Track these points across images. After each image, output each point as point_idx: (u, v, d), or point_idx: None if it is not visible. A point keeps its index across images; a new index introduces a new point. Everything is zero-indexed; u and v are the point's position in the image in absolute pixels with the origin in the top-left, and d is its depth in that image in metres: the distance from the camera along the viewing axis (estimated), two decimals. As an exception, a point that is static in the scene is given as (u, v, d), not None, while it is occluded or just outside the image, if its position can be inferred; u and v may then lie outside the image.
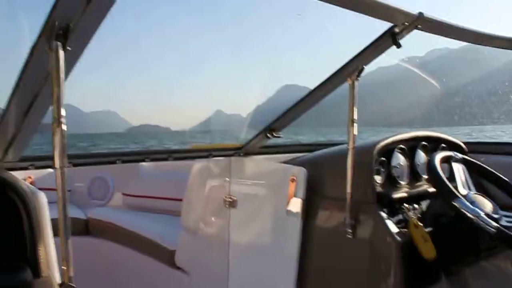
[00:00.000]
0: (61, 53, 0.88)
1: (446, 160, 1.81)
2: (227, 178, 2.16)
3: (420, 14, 1.29)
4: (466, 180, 1.76)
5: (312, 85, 1.75)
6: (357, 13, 1.22)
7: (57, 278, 1.01)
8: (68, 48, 0.88)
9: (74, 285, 0.97)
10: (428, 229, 1.66)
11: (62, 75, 0.89)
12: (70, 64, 0.96)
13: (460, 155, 1.85)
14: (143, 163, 3.93)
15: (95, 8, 0.82)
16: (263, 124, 1.96)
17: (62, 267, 0.96)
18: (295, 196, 1.82)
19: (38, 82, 1.01)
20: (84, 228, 3.27)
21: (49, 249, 1.03)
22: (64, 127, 0.92)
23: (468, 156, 1.89)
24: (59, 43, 0.87)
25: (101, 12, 0.85)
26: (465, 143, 2.19)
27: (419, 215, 1.75)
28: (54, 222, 1.00)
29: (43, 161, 1.52)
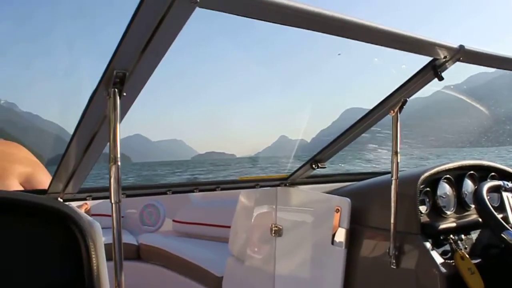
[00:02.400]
0: (118, 99, 0.96)
1: (495, 190, 1.78)
2: (273, 207, 2.20)
3: (461, 46, 1.30)
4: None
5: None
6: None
7: None
8: (123, 94, 0.97)
9: None
10: (476, 261, 1.63)
11: (117, 118, 0.97)
12: (125, 107, 1.04)
13: (510, 184, 1.81)
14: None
15: (149, 56, 0.90)
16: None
17: None
18: (339, 226, 1.83)
19: (97, 123, 1.10)
20: (136, 253, 3.38)
21: (103, 275, 1.10)
22: (119, 164, 1.00)
23: None
24: (116, 90, 0.95)
25: (155, 60, 0.93)
26: None
27: (466, 247, 1.73)
28: (108, 247, 1.07)
29: (100, 192, 1.62)
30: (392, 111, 1.65)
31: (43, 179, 1.71)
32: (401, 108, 1.65)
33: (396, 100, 1.62)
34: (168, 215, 3.99)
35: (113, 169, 0.99)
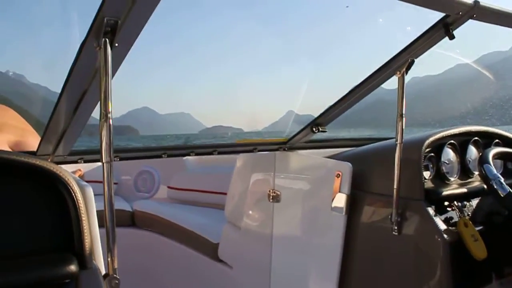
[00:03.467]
0: (109, 50, 0.89)
1: (500, 156, 1.74)
2: (271, 172, 2.15)
3: (476, 2, 1.23)
4: None
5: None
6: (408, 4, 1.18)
7: (102, 270, 1.04)
8: (115, 44, 0.89)
9: (117, 277, 0.99)
10: (479, 228, 1.59)
11: (109, 71, 0.90)
12: (118, 60, 0.97)
13: None
14: (188, 157, 3.99)
15: (142, 3, 0.83)
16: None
17: (108, 259, 0.99)
18: (340, 191, 1.78)
19: (87, 78, 1.03)
20: (130, 219, 3.35)
21: (95, 241, 1.05)
22: (111, 122, 0.93)
23: None
24: (107, 40, 0.88)
25: (149, 7, 0.85)
26: None
27: (469, 213, 1.69)
28: (101, 213, 1.02)
29: (92, 155, 1.56)
30: (398, 72, 1.58)
31: (33, 143, 1.65)
32: (407, 69, 1.58)
33: (403, 60, 1.55)
34: (162, 182, 3.96)
35: (104, 126, 0.93)
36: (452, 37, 1.38)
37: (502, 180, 1.51)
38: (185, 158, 3.98)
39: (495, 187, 1.51)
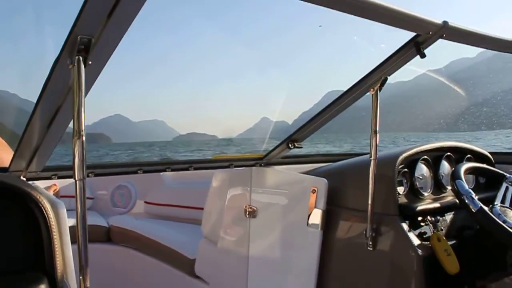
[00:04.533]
0: (82, 68, 0.88)
1: (472, 171, 1.77)
2: (248, 188, 2.15)
3: (445, 23, 1.26)
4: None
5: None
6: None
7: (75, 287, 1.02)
8: (89, 62, 0.89)
9: None
10: (452, 242, 1.62)
11: (83, 89, 0.90)
12: (91, 78, 0.97)
13: (486, 166, 1.81)
14: (165, 173, 3.96)
15: (116, 22, 0.82)
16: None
17: (79, 277, 0.97)
18: (315, 207, 1.80)
19: (60, 96, 1.02)
20: (106, 235, 3.30)
21: (67, 260, 1.04)
22: (83, 139, 0.93)
23: (496, 167, 1.84)
24: (80, 58, 0.88)
25: (122, 27, 0.85)
26: (491, 153, 2.14)
27: (442, 228, 1.71)
28: (75, 229, 1.01)
29: (66, 171, 1.54)
30: (372, 89, 1.61)
31: (4, 157, 1.62)
32: (381, 86, 1.60)
33: (376, 78, 1.58)
34: (139, 197, 3.92)
35: (77, 144, 0.92)
36: (423, 55, 1.41)
37: (474, 195, 1.54)
38: (162, 173, 3.96)
39: (466, 202, 1.53)
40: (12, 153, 1.41)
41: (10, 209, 0.95)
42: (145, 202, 3.84)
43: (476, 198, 1.54)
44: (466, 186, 1.58)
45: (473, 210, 1.52)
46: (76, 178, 0.93)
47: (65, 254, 1.02)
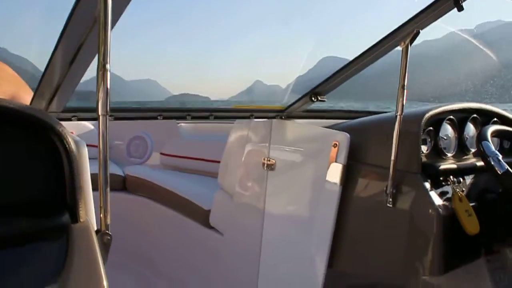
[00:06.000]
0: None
1: (498, 134, 1.73)
2: (267, 140, 2.13)
3: None
4: None
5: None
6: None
7: (94, 226, 1.02)
8: None
9: (110, 233, 0.97)
10: (473, 204, 1.60)
11: (109, 21, 0.87)
12: (117, 11, 0.94)
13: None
14: (182, 124, 3.96)
15: None
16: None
17: (100, 215, 0.97)
18: (336, 161, 1.77)
19: (84, 29, 0.99)
20: (122, 184, 3.34)
21: (87, 198, 1.03)
22: (108, 74, 0.90)
23: None
24: None
25: None
26: None
27: (464, 189, 1.69)
28: (92, 176, 1.00)
29: (87, 112, 1.53)
30: (402, 43, 1.56)
31: (26, 98, 1.61)
32: (412, 40, 1.55)
33: (408, 31, 1.53)
34: (155, 148, 3.94)
35: (102, 76, 0.89)
36: (461, 8, 1.36)
37: (500, 157, 1.51)
38: (179, 125, 3.96)
39: (492, 164, 1.51)
40: (32, 94, 1.39)
41: (33, 141, 0.93)
42: (161, 153, 3.86)
43: (502, 160, 1.51)
44: (493, 148, 1.54)
45: (498, 172, 1.49)
46: (100, 113, 0.91)
47: (86, 193, 1.01)
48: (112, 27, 0.90)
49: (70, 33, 1.00)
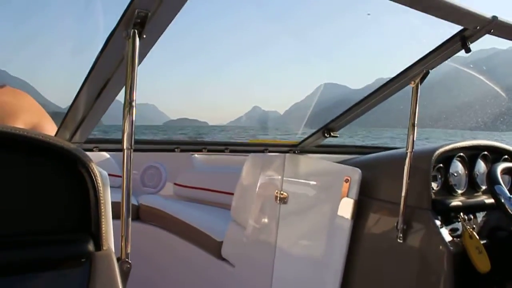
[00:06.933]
0: (137, 40, 0.92)
1: (508, 172, 1.75)
2: (280, 174, 2.16)
3: (494, 17, 1.25)
4: None
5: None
6: (424, 14, 1.20)
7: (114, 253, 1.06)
8: (143, 36, 0.92)
9: (130, 261, 1.01)
10: (483, 242, 1.61)
11: (136, 60, 0.93)
12: (144, 51, 1.00)
13: None
14: (196, 155, 4.01)
15: None
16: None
17: (121, 243, 1.01)
18: (347, 196, 1.80)
19: (112, 67, 1.06)
20: (135, 213, 3.37)
21: (109, 227, 1.08)
22: (134, 110, 0.96)
23: None
24: (136, 31, 0.91)
25: (178, 1, 0.88)
26: None
27: (474, 227, 1.70)
28: (112, 204, 1.05)
29: (108, 144, 1.58)
30: (412, 82, 1.61)
31: (50, 130, 1.67)
32: (422, 79, 1.61)
33: (418, 70, 1.58)
34: (169, 179, 3.97)
35: (128, 114, 0.95)
36: (468, 50, 1.40)
37: None
38: (193, 156, 4.01)
39: (506, 206, 1.53)
40: (55, 127, 1.45)
41: (60, 171, 0.98)
42: (175, 183, 3.90)
43: None
44: (508, 193, 1.56)
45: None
46: (125, 147, 0.96)
47: (108, 222, 1.05)
48: (138, 64, 0.96)
49: (98, 69, 1.07)
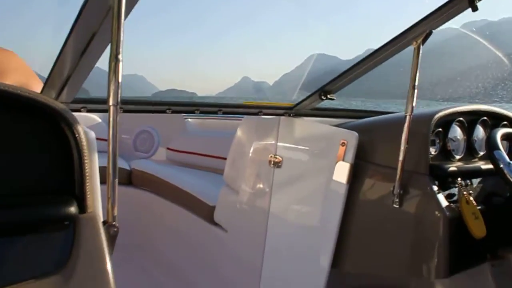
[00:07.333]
0: None
1: (507, 138, 1.72)
2: (274, 138, 2.12)
3: None
4: None
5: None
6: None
7: (101, 217, 1.02)
8: None
9: (117, 225, 0.97)
10: (480, 207, 1.59)
11: (122, 10, 0.87)
12: (131, 2, 0.93)
13: None
14: (189, 120, 3.96)
15: None
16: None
17: (108, 206, 0.97)
18: (343, 160, 1.77)
19: (98, 19, 0.99)
20: (127, 178, 3.34)
21: (95, 189, 1.03)
22: (121, 65, 0.90)
23: None
24: None
25: None
26: None
27: (471, 192, 1.68)
28: (99, 169, 1.00)
29: (96, 104, 1.53)
30: (414, 42, 1.55)
31: (38, 90, 1.61)
32: (424, 39, 1.54)
33: (421, 30, 1.52)
34: (162, 143, 3.94)
35: (114, 67, 0.89)
36: (475, 8, 1.34)
37: None
38: (186, 120, 3.96)
39: (505, 172, 1.50)
40: (41, 83, 1.39)
41: (45, 129, 0.93)
42: (167, 148, 3.87)
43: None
44: (505, 156, 1.53)
45: (510, 177, 1.49)
46: (111, 104, 0.91)
47: (94, 184, 1.01)
48: (125, 17, 0.89)
49: (82, 23, 1.00)
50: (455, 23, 1.61)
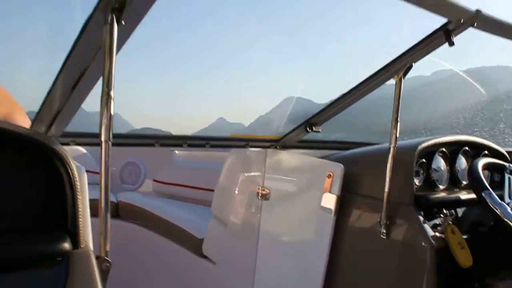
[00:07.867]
0: (115, 26, 0.87)
1: (488, 167, 1.76)
2: (261, 170, 2.14)
3: (478, 11, 1.24)
4: (510, 190, 1.70)
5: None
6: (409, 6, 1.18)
7: (92, 251, 1.02)
8: (122, 22, 0.88)
9: (109, 260, 0.97)
10: (465, 237, 1.61)
11: (114, 47, 0.89)
12: (122, 38, 0.95)
13: (504, 163, 1.80)
14: (176, 152, 3.96)
15: None
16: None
17: (100, 241, 0.97)
18: (330, 192, 1.79)
19: (89, 56, 1.01)
20: (114, 210, 3.31)
21: (87, 224, 1.04)
22: (112, 101, 0.91)
23: None
24: (114, 16, 0.87)
25: None
26: (508, 152, 2.12)
27: (456, 222, 1.70)
28: (91, 201, 1.01)
29: (85, 138, 1.53)
30: (396, 76, 1.59)
31: (23, 123, 1.61)
32: (405, 73, 1.59)
33: (401, 64, 1.56)
34: (148, 175, 3.92)
35: (106, 104, 0.91)
36: (452, 43, 1.39)
37: (493, 192, 1.53)
38: (173, 152, 3.96)
39: (486, 198, 1.53)
40: (28, 121, 1.40)
41: (35, 165, 0.93)
42: (154, 180, 3.85)
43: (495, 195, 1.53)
44: (486, 183, 1.56)
45: (491, 206, 1.51)
46: (103, 139, 0.92)
47: (86, 220, 1.01)
48: (117, 53, 0.91)
49: (74, 58, 1.01)
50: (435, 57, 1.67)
